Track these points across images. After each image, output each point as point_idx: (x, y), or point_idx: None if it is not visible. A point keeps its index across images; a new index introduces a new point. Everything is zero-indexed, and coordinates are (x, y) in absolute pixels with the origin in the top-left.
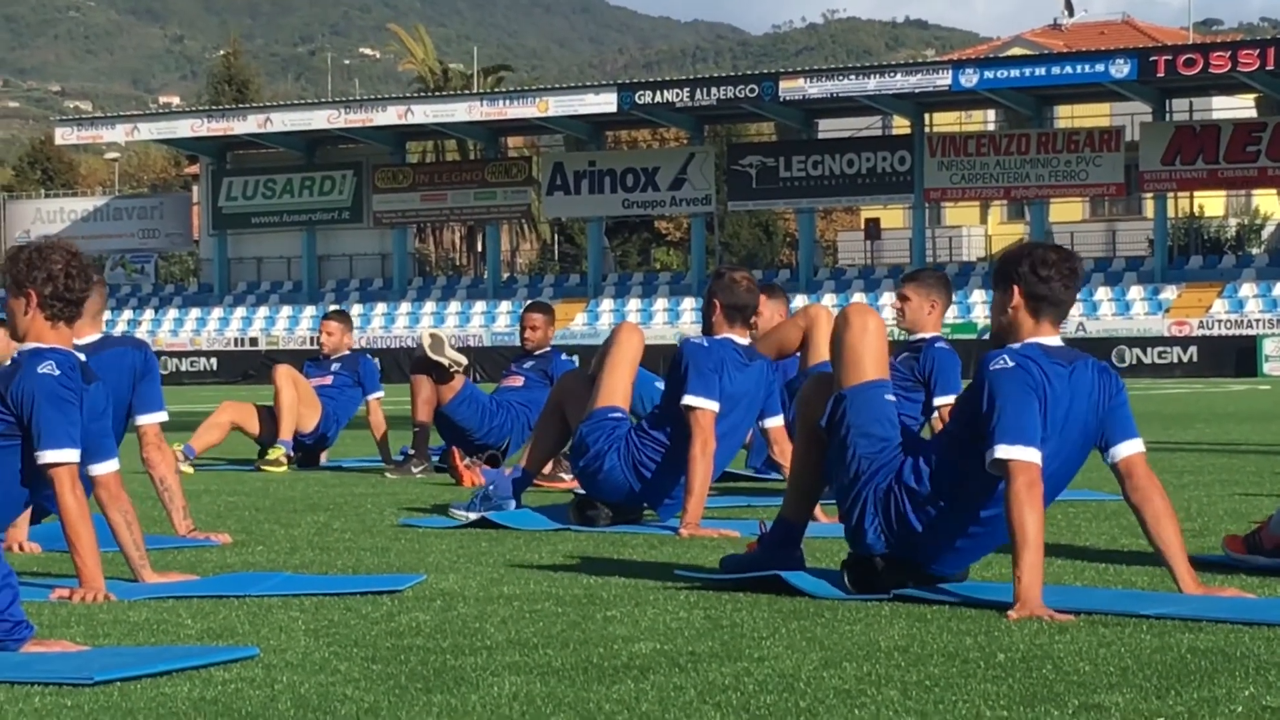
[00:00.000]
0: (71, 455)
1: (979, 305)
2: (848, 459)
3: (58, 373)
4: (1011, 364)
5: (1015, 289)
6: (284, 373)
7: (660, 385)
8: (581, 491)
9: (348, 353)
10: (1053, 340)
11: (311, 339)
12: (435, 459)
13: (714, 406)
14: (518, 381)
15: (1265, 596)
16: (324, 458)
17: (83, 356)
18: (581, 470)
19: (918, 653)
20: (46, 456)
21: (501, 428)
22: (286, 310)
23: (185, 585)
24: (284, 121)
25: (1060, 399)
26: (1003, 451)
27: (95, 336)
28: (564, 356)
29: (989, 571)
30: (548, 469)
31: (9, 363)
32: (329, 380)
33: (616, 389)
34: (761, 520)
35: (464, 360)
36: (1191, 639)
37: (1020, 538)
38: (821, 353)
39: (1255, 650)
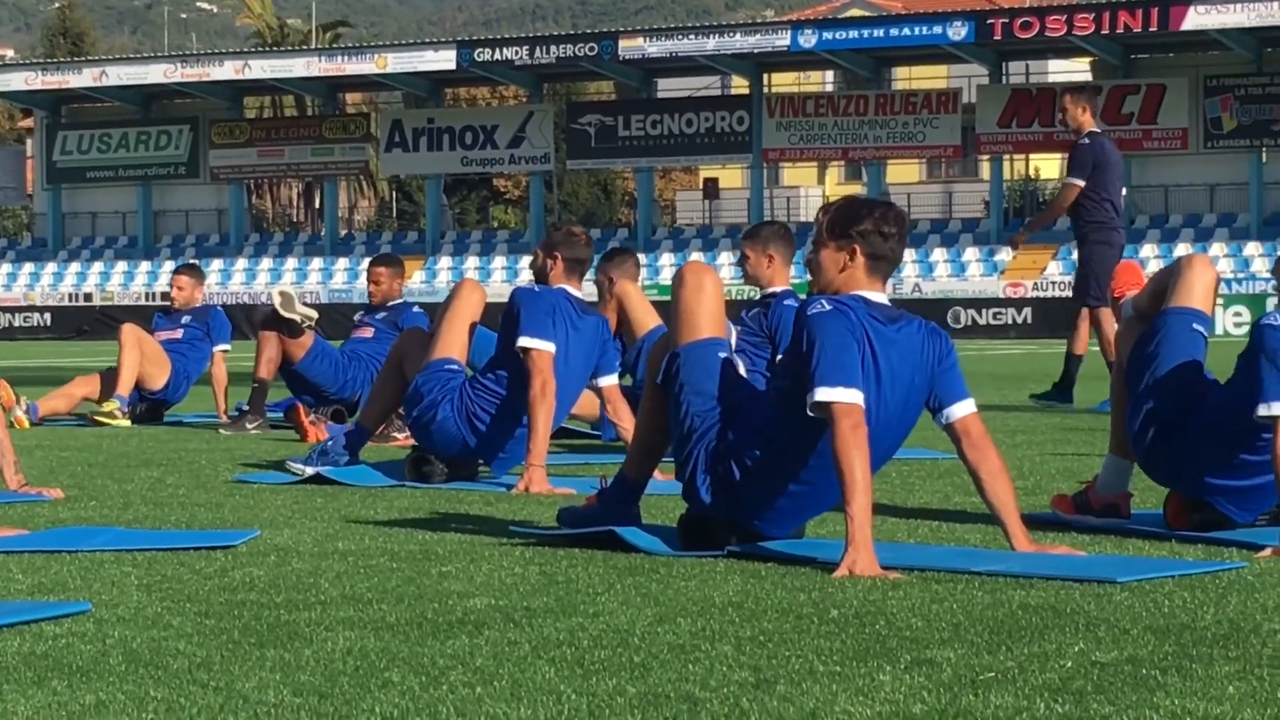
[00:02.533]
0: None
1: None
2: (681, 416)
3: None
4: (829, 307)
5: (857, 247)
6: (129, 332)
7: None
8: (412, 441)
9: (199, 306)
10: (879, 297)
11: (147, 294)
12: (274, 416)
13: (550, 347)
14: (368, 333)
15: (1095, 554)
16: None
17: None
18: (415, 421)
19: (752, 608)
20: None
21: (354, 381)
22: (122, 266)
23: (15, 540)
24: (120, 75)
25: (881, 354)
26: (823, 394)
27: None
28: (415, 309)
29: (823, 529)
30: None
31: None
32: (179, 334)
33: (453, 342)
34: (602, 476)
35: (315, 314)
36: (1023, 595)
37: (849, 481)
38: (641, 325)
39: (1085, 606)
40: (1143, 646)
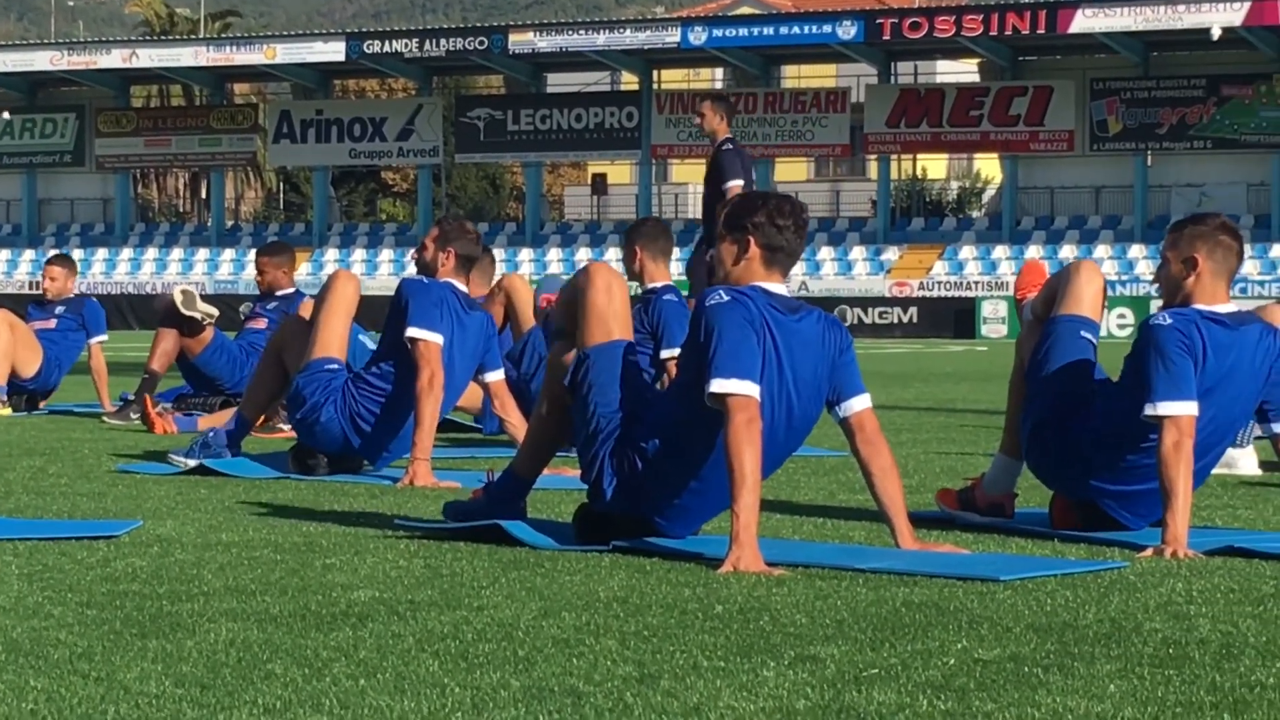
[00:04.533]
0: None
1: None
2: (588, 416)
3: None
4: (727, 298)
5: (751, 239)
6: (1, 317)
7: (370, 343)
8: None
9: (72, 296)
10: (778, 288)
11: (31, 284)
12: (165, 406)
13: (438, 339)
14: (261, 324)
15: (979, 552)
16: (43, 404)
17: None
18: (299, 422)
19: (636, 603)
20: None
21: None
22: (5, 254)
23: None
24: (5, 62)
25: (783, 343)
26: (718, 385)
27: None
28: (309, 296)
29: (708, 525)
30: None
31: None
32: (52, 324)
33: (332, 340)
34: (489, 470)
35: (216, 312)
36: (906, 593)
37: (738, 476)
38: (527, 318)
39: (968, 604)
40: (1025, 644)
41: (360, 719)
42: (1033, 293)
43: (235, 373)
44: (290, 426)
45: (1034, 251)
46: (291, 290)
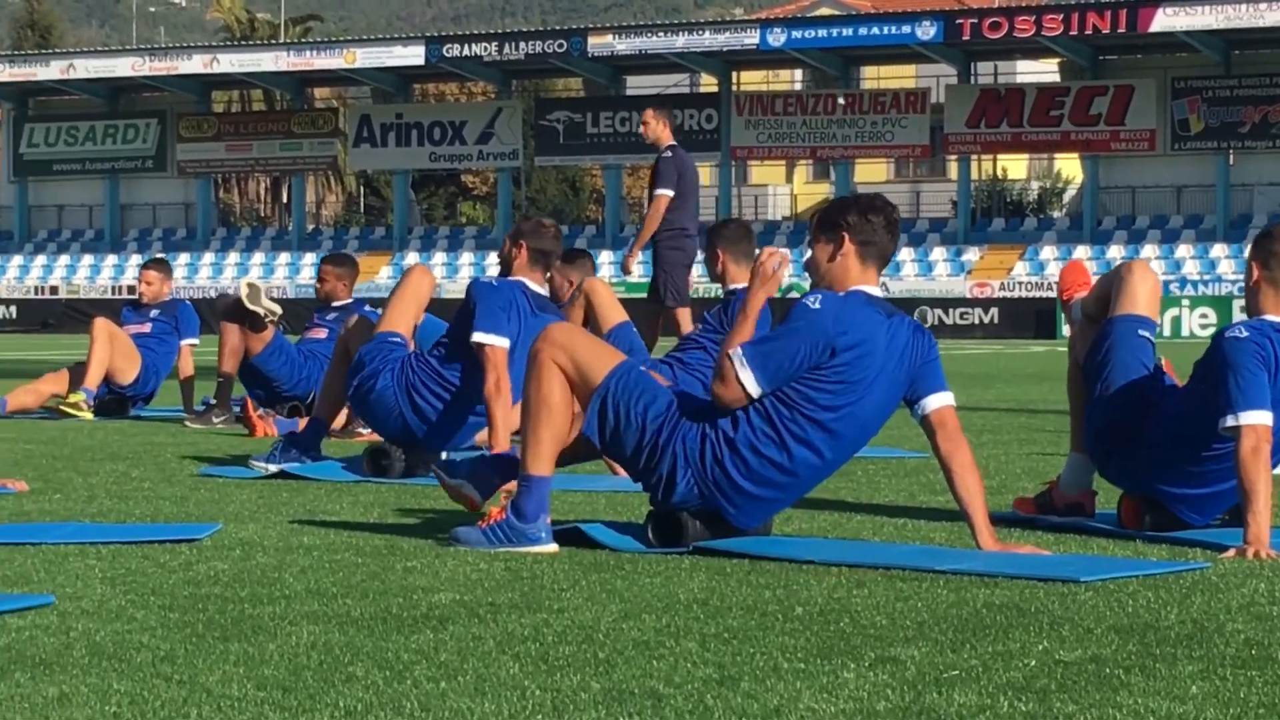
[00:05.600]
0: None
1: None
2: (637, 431)
3: None
4: (818, 304)
5: (844, 236)
6: (101, 326)
7: None
8: (376, 437)
9: (167, 300)
10: (875, 290)
11: (113, 288)
12: (238, 410)
13: (504, 343)
14: (321, 333)
15: (1060, 553)
16: (131, 409)
17: None
18: (355, 391)
19: (717, 605)
20: None
21: (309, 379)
22: (88, 259)
23: None
24: (88, 68)
25: (877, 347)
26: (749, 382)
27: None
28: (368, 308)
29: (789, 527)
30: (341, 422)
31: None
32: (147, 328)
33: (399, 320)
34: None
35: (279, 310)
36: (987, 594)
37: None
38: (607, 320)
39: (1049, 605)
40: (1106, 646)
41: None
42: (1080, 292)
43: (293, 375)
44: (369, 430)
45: (1115, 251)
46: (349, 301)
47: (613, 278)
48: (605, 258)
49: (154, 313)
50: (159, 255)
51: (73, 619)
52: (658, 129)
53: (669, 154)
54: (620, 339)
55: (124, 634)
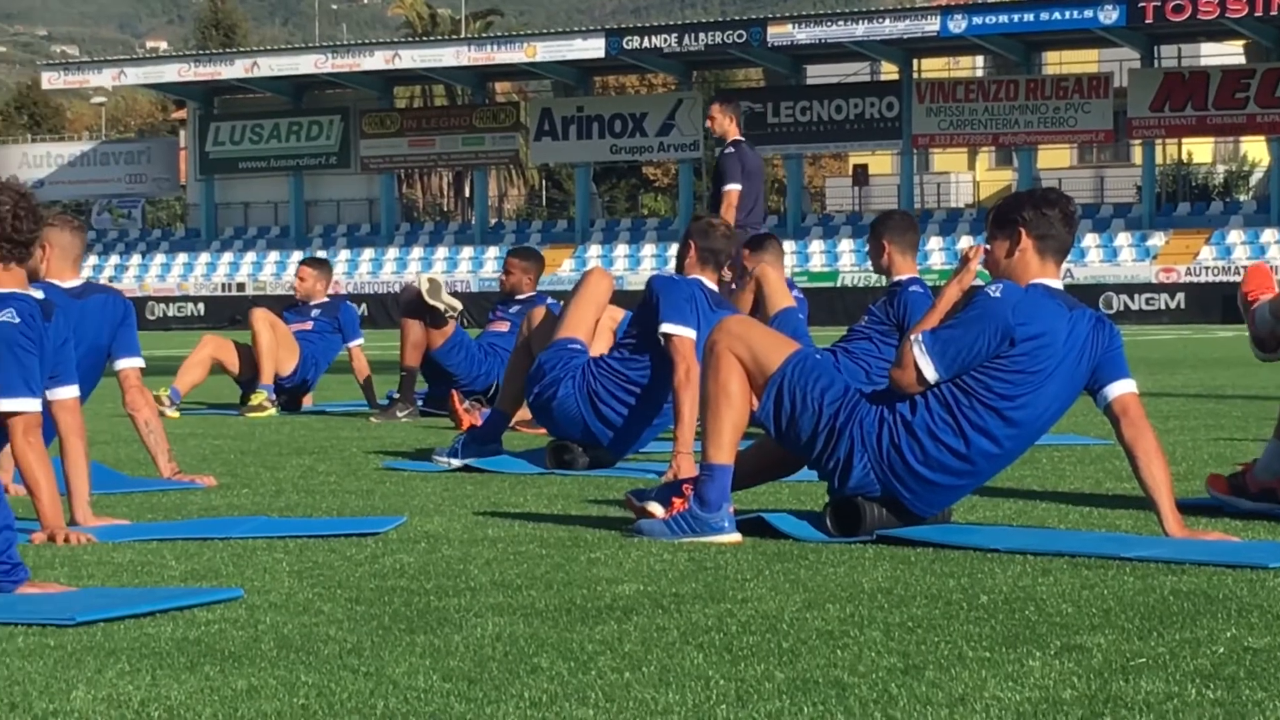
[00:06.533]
0: (26, 404)
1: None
2: (815, 413)
3: (18, 320)
4: (998, 293)
5: (1021, 232)
6: (260, 315)
7: None
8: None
9: (327, 299)
10: (1056, 283)
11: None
12: (420, 403)
13: (691, 333)
14: (503, 327)
15: (1248, 540)
16: (308, 402)
17: (39, 294)
18: (535, 399)
19: (901, 594)
20: (2, 405)
21: (489, 373)
22: (273, 255)
23: (169, 527)
24: (271, 66)
25: (1057, 339)
26: (927, 369)
27: (77, 282)
28: (551, 300)
29: (972, 515)
30: (527, 415)
31: None
32: (309, 326)
33: (579, 324)
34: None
35: (459, 305)
36: (1174, 581)
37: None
38: (774, 304)
39: (1238, 592)
40: None
41: (625, 712)
42: (1265, 294)
43: (473, 369)
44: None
45: None
46: (532, 294)
47: (795, 268)
48: (787, 247)
49: (315, 312)
50: (317, 255)
51: (261, 612)
52: (724, 123)
53: (732, 149)
54: (785, 324)
55: (311, 627)
